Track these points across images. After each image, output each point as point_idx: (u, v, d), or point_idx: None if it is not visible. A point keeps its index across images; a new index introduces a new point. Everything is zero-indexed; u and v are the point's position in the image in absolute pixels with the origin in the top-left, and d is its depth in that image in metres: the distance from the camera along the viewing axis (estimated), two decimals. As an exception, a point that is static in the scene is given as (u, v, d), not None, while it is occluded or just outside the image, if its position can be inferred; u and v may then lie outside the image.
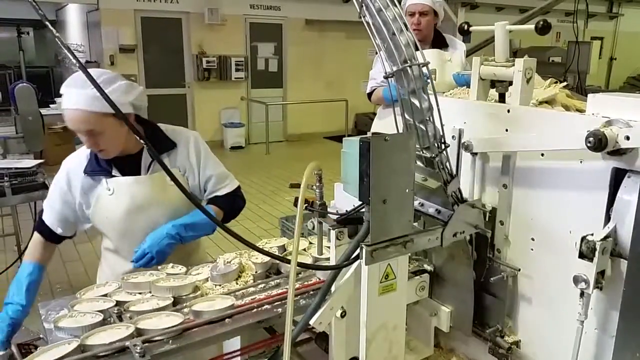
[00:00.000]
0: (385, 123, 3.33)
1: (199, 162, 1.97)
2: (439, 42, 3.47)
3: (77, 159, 1.91)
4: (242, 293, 1.56)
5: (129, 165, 1.89)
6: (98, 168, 1.87)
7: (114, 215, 1.89)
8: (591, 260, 1.14)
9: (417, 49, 1.21)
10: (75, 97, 1.67)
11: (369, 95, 3.56)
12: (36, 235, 1.94)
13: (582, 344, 1.20)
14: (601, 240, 1.13)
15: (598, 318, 1.23)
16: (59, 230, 1.94)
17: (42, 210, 1.96)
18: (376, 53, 3.47)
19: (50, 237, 1.94)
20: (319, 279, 1.58)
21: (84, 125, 1.70)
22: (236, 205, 2.06)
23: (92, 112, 1.66)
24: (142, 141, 1.21)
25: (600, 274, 1.16)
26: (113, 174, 1.88)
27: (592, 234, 1.15)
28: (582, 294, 1.17)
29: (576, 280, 1.16)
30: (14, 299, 1.68)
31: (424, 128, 1.24)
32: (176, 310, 1.43)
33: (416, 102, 1.22)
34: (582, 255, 1.15)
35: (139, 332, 1.31)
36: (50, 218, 1.93)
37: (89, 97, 1.64)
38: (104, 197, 1.87)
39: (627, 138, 1.09)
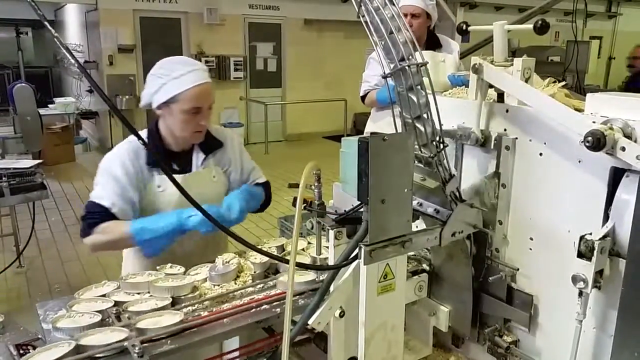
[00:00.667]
0: (379, 127, 3.34)
1: (241, 157, 2.11)
2: (433, 44, 3.47)
3: (132, 152, 1.88)
4: (241, 293, 1.56)
5: (182, 161, 1.97)
6: (155, 162, 1.88)
7: (163, 210, 1.88)
8: (590, 259, 1.13)
9: (415, 48, 1.21)
10: (201, 74, 1.84)
11: (363, 98, 3.57)
12: (101, 227, 1.79)
13: (580, 343, 1.20)
14: (600, 239, 1.13)
15: (596, 317, 1.23)
16: (117, 211, 1.83)
17: (88, 211, 1.83)
18: (370, 55, 3.50)
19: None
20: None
21: (211, 97, 1.87)
22: (270, 196, 2.16)
23: (210, 83, 1.87)
24: (140, 142, 1.20)
25: (599, 273, 1.16)
26: (174, 167, 1.94)
27: (591, 234, 1.15)
28: (580, 294, 1.17)
29: (575, 279, 1.16)
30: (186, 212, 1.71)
31: (422, 126, 1.24)
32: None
33: (414, 98, 1.22)
34: (580, 255, 1.15)
35: (137, 332, 1.30)
36: (107, 202, 1.82)
37: (207, 72, 1.87)
38: (154, 192, 1.90)
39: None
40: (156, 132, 1.94)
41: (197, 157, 1.99)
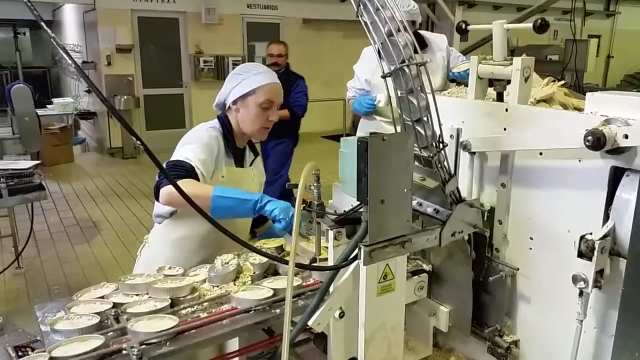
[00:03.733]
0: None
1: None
2: (418, 44, 3.43)
3: (219, 134, 2.03)
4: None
5: (241, 157, 2.13)
6: (235, 151, 2.07)
7: None
8: (590, 259, 1.13)
9: (415, 50, 1.20)
10: (275, 76, 2.04)
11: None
12: (185, 180, 1.78)
13: (581, 343, 1.20)
14: (600, 239, 1.13)
15: (597, 317, 1.23)
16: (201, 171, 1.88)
17: (173, 165, 1.85)
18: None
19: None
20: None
21: (280, 97, 2.05)
22: None
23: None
24: (139, 143, 1.19)
25: (599, 273, 1.15)
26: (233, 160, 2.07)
27: (591, 233, 1.15)
28: (581, 293, 1.17)
29: (575, 279, 1.16)
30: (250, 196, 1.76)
31: (421, 129, 1.23)
32: (173, 313, 1.42)
33: (414, 101, 1.21)
34: (581, 255, 1.15)
35: (135, 334, 1.30)
36: (195, 162, 1.86)
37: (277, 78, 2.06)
38: (217, 179, 1.95)
39: (626, 136, 1.09)
40: (228, 125, 2.07)
41: (249, 156, 2.18)
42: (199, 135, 1.99)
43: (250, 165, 2.18)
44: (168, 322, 1.34)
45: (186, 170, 1.83)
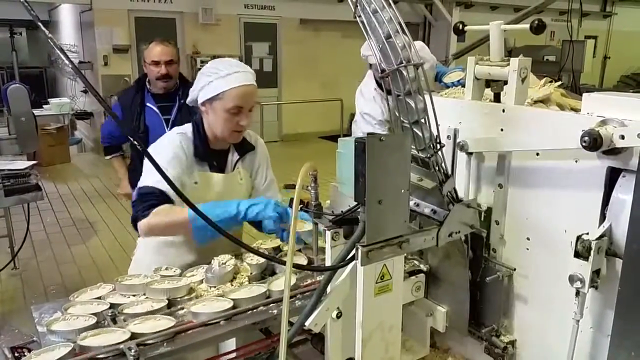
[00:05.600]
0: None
1: (267, 164, 2.17)
2: None
3: (184, 141, 1.93)
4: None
5: (221, 160, 2.02)
6: (204, 156, 1.95)
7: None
8: (586, 259, 1.13)
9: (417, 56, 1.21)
10: (247, 76, 1.87)
11: None
12: (159, 209, 1.77)
13: (577, 343, 1.20)
14: (596, 239, 1.13)
15: (593, 317, 1.23)
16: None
17: (143, 194, 1.81)
18: (375, 89, 3.04)
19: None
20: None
21: (253, 99, 1.90)
22: None
23: (256, 86, 1.89)
24: (137, 144, 1.19)
25: (596, 273, 1.16)
26: (214, 164, 1.97)
27: (588, 233, 1.15)
28: (577, 293, 1.17)
29: (572, 279, 1.16)
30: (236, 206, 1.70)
31: (419, 131, 1.24)
32: (170, 313, 1.42)
33: (411, 103, 1.21)
34: (577, 255, 1.15)
35: (133, 335, 1.30)
36: (165, 186, 1.77)
37: (253, 75, 1.91)
38: (189, 186, 1.90)
39: (622, 137, 1.09)
40: (201, 128, 1.97)
41: (233, 158, 2.05)
42: (163, 151, 1.89)
43: (234, 167, 2.04)
44: (167, 322, 1.34)
45: (157, 197, 1.78)
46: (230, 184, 2.01)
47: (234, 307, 1.44)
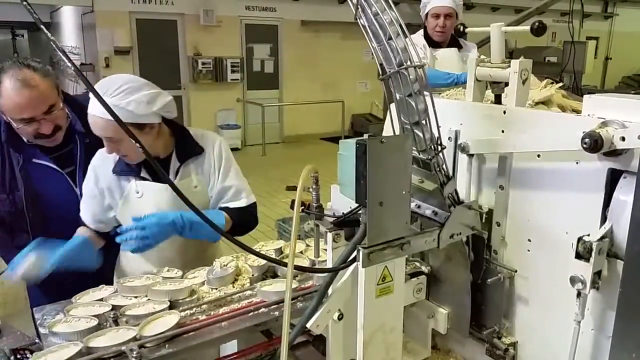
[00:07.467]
0: None
1: (220, 168, 1.95)
2: (454, 44, 3.56)
3: (105, 158, 1.88)
4: (239, 296, 1.55)
5: (156, 170, 1.93)
6: (127, 169, 1.87)
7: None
8: (588, 260, 1.13)
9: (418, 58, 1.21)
10: (97, 104, 1.64)
11: None
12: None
13: (579, 344, 1.20)
14: (597, 240, 1.13)
15: (595, 318, 1.23)
16: (95, 227, 1.95)
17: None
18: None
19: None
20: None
21: (103, 132, 1.73)
22: (247, 222, 1.99)
23: (109, 120, 1.61)
24: (140, 149, 1.18)
25: (597, 274, 1.16)
26: (142, 175, 1.88)
27: (589, 235, 1.15)
28: (578, 295, 1.17)
29: (573, 280, 1.16)
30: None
31: (420, 132, 1.24)
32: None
33: (413, 104, 1.21)
34: (578, 256, 1.15)
35: (134, 336, 1.30)
36: (85, 215, 1.96)
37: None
38: (133, 198, 1.87)
39: (623, 139, 1.09)
40: None
41: (174, 165, 1.89)
42: (85, 180, 1.94)
43: (176, 175, 1.88)
44: (169, 322, 1.35)
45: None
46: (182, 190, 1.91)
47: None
